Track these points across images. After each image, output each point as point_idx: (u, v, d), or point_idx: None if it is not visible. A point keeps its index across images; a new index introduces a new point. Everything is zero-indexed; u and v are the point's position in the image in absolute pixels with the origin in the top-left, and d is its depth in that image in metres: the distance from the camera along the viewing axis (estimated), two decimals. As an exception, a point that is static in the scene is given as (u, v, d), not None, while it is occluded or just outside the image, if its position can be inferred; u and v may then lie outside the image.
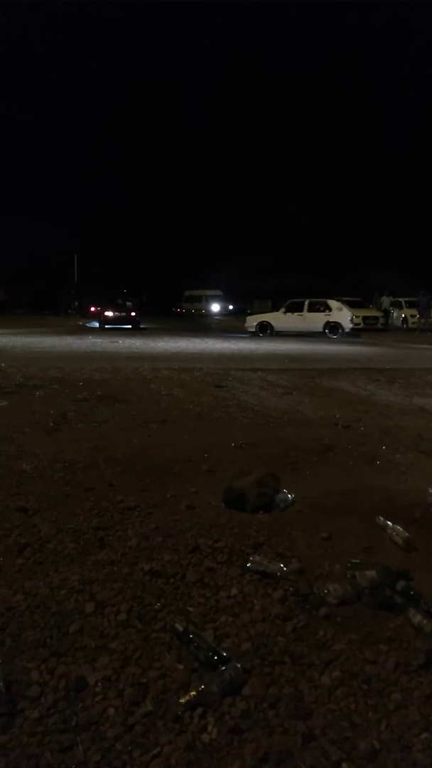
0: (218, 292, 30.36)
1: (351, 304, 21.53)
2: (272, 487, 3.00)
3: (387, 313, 24.30)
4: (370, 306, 25.03)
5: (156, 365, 9.21)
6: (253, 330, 20.85)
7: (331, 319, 19.85)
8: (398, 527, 2.56)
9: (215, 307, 26.55)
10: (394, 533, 2.53)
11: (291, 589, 2.09)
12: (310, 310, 20.29)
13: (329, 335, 19.65)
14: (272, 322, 20.75)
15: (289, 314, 20.71)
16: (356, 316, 20.71)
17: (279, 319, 20.85)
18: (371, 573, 2.09)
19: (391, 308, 25.07)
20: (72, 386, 6.93)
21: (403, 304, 24.43)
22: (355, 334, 20.10)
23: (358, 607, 2.00)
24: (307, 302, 20.46)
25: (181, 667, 1.67)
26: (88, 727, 1.45)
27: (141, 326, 24.08)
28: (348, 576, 2.15)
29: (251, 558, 2.31)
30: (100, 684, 1.60)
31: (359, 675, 1.65)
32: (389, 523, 2.61)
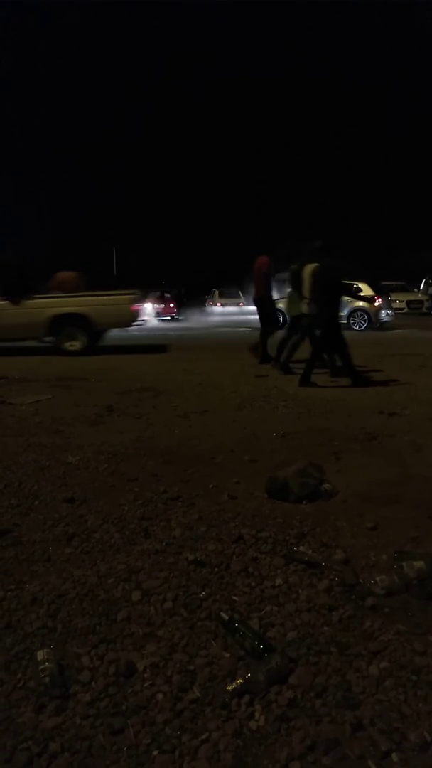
0: None
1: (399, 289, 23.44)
2: (315, 477, 2.97)
3: None
4: (416, 290, 24.60)
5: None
6: None
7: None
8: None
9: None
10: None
11: (336, 579, 2.07)
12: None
13: None
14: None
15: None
16: (399, 300, 22.53)
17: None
18: (419, 563, 2.05)
19: None
20: (112, 379, 7.06)
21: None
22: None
23: (405, 598, 1.97)
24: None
25: (227, 655, 1.69)
26: (137, 711, 1.48)
27: (178, 318, 24.90)
28: (395, 566, 2.12)
29: (295, 548, 2.30)
30: (148, 670, 1.63)
31: (408, 666, 1.62)
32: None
